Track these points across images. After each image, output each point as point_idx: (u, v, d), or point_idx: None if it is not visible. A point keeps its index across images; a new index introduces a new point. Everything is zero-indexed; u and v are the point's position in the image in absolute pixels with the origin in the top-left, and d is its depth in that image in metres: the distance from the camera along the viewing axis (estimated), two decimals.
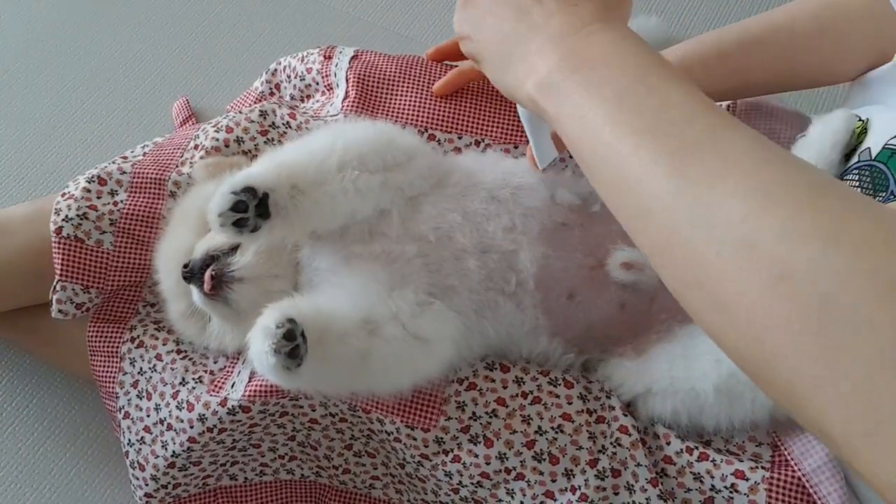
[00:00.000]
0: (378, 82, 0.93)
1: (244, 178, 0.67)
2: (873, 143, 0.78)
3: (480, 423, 0.75)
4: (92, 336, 0.88)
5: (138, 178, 0.89)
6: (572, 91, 0.54)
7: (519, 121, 0.91)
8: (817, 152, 0.82)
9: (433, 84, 0.92)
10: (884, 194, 0.74)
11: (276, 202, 0.68)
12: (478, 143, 0.89)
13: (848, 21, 0.85)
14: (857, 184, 0.77)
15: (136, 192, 0.88)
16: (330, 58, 1.00)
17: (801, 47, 0.87)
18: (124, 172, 0.89)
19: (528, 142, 0.75)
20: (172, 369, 0.82)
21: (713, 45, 0.89)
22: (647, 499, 0.72)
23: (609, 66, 0.54)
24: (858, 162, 0.79)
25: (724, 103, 0.98)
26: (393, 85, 0.93)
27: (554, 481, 0.74)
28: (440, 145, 0.89)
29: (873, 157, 0.77)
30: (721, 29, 0.90)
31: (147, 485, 0.83)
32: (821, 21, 0.85)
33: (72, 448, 1.03)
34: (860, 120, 0.82)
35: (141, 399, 0.83)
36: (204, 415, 0.78)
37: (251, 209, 0.66)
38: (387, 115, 0.91)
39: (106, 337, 0.87)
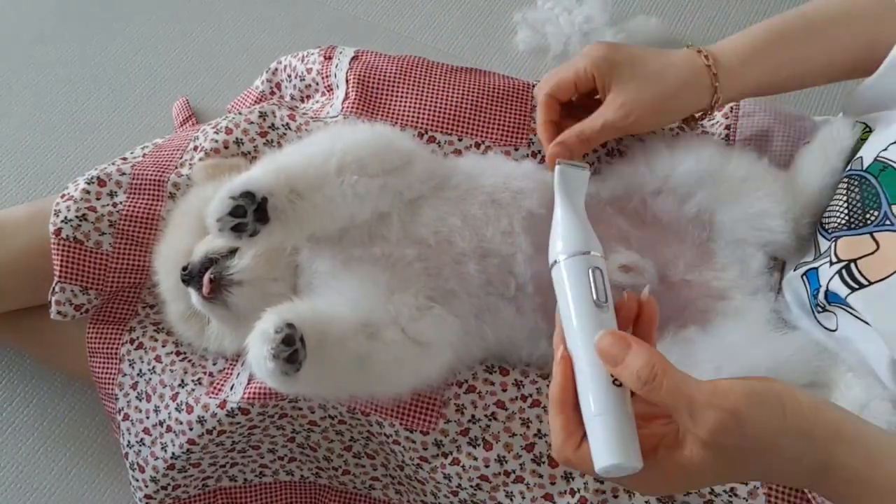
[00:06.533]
0: (378, 83, 0.93)
1: (243, 183, 0.67)
2: (866, 152, 0.77)
3: (479, 426, 0.75)
4: (91, 337, 0.87)
5: (138, 179, 0.88)
6: None
7: (519, 122, 0.90)
8: (821, 159, 0.82)
9: (434, 85, 0.92)
10: (876, 213, 0.73)
11: (275, 206, 0.67)
12: (478, 146, 0.89)
13: None
14: (846, 194, 0.76)
15: (135, 194, 0.88)
16: (330, 58, 0.99)
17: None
18: (123, 174, 0.89)
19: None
20: (171, 371, 0.82)
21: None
22: (646, 502, 0.72)
23: None
24: (850, 170, 0.78)
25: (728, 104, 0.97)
26: (393, 86, 0.92)
27: (553, 484, 0.74)
28: (440, 147, 0.89)
29: (864, 168, 0.76)
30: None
31: (147, 486, 0.83)
32: None
33: (72, 448, 1.03)
34: (867, 129, 0.81)
35: (140, 401, 0.83)
36: (203, 417, 0.78)
37: (249, 214, 0.66)
38: (387, 116, 0.90)
39: (105, 338, 0.87)
